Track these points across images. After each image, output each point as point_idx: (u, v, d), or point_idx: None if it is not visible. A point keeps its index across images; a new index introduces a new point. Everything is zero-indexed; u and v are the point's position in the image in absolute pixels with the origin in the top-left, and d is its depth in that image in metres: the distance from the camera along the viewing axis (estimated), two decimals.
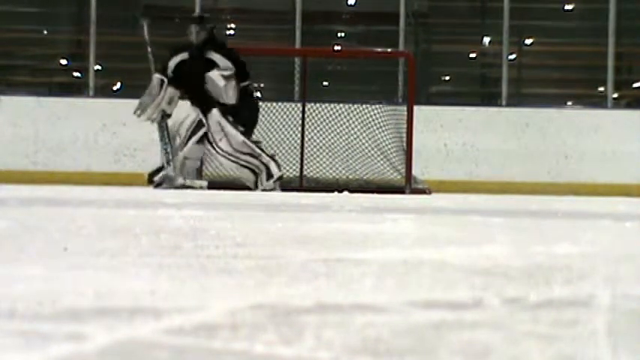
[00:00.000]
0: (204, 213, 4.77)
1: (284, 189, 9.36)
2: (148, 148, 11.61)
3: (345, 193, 9.06)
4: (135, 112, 9.52)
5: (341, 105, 10.73)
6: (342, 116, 10.56)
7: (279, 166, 9.40)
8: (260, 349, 1.15)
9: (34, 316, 1.36)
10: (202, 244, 2.80)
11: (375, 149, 10.42)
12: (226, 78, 9.27)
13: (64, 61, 14.35)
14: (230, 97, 9.26)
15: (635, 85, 14.24)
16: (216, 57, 9.38)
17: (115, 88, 13.94)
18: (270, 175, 9.27)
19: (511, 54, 13.18)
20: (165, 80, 9.41)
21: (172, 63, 9.52)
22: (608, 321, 1.43)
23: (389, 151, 10.40)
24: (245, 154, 9.27)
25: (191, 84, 9.38)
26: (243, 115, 9.42)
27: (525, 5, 13.63)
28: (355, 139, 10.33)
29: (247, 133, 9.43)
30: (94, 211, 4.89)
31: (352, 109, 10.61)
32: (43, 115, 11.76)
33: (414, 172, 10.20)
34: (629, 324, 1.43)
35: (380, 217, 4.87)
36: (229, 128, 9.22)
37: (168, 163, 9.36)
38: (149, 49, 9.77)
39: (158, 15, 12.79)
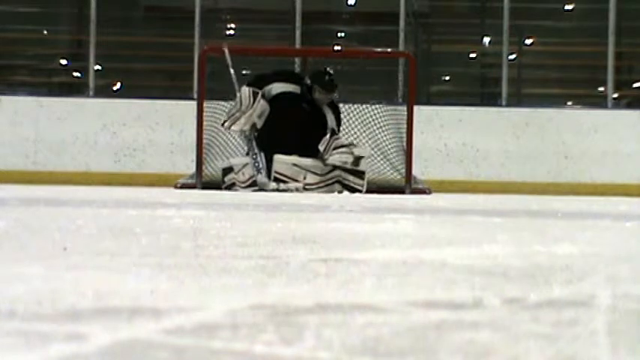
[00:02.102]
0: (204, 213, 4.77)
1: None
2: (148, 148, 11.62)
3: (345, 193, 9.06)
4: (223, 124, 9.42)
5: (341, 105, 10.72)
6: (342, 116, 10.55)
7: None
8: (260, 349, 1.15)
9: (34, 316, 1.36)
10: (202, 244, 2.80)
11: (375, 149, 10.41)
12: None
13: (64, 61, 14.35)
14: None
15: (635, 85, 14.24)
16: (329, 114, 9.47)
17: (115, 88, 13.95)
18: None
19: (511, 54, 13.18)
20: (260, 93, 9.31)
21: (274, 90, 9.42)
22: (608, 321, 1.43)
23: (389, 151, 10.39)
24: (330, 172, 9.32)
25: (286, 118, 9.34)
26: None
27: (525, 5, 13.62)
28: (355, 139, 10.31)
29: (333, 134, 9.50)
30: (94, 211, 4.89)
31: (352, 109, 10.60)
32: (43, 115, 11.76)
33: (414, 172, 10.19)
34: (629, 324, 1.43)
35: (380, 217, 4.87)
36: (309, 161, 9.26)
37: (259, 171, 9.24)
38: (232, 72, 9.64)
39: (160, 16, 12.80)
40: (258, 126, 9.33)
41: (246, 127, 9.34)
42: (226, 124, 9.35)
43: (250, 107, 9.27)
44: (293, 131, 9.42)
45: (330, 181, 9.30)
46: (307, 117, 9.46)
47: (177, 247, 2.63)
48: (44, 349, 1.12)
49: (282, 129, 9.38)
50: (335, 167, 9.31)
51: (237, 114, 9.27)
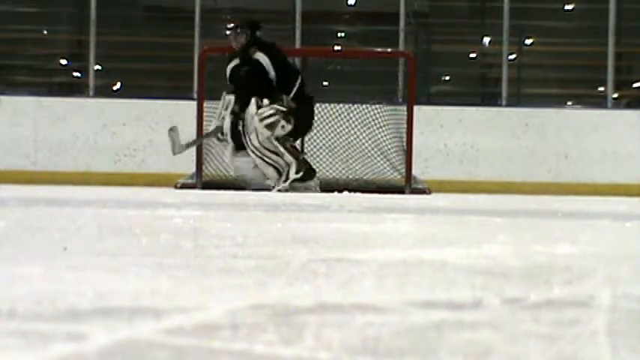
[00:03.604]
0: (204, 213, 4.77)
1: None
2: (148, 148, 11.62)
3: (345, 193, 9.06)
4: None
5: (341, 105, 10.72)
6: (342, 116, 10.55)
7: (302, 167, 9.24)
8: (260, 349, 1.15)
9: (34, 316, 1.36)
10: (202, 244, 2.80)
11: (375, 149, 10.41)
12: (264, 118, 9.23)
13: (64, 61, 14.35)
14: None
15: (635, 85, 14.24)
16: (259, 56, 9.31)
17: (115, 88, 13.95)
18: (287, 177, 9.20)
19: (511, 54, 13.18)
20: (224, 93, 9.35)
21: (228, 69, 9.45)
22: (608, 321, 1.43)
23: (389, 151, 10.39)
24: (270, 151, 9.19)
25: (241, 88, 9.30)
26: (300, 119, 9.30)
27: (525, 5, 13.62)
28: (355, 139, 10.32)
29: (295, 136, 9.36)
30: (94, 211, 4.89)
31: (352, 109, 10.60)
32: (43, 115, 11.76)
33: (414, 172, 10.19)
34: (629, 324, 1.43)
35: (380, 217, 4.87)
36: (257, 122, 9.09)
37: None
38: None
39: (160, 16, 12.80)
40: (231, 110, 9.32)
41: (219, 123, 9.35)
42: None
43: (222, 109, 9.35)
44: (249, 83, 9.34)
45: (266, 159, 9.25)
46: (246, 76, 9.37)
47: (177, 247, 2.63)
48: (44, 349, 1.12)
49: (242, 87, 9.33)
50: (275, 153, 9.25)
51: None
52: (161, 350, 1.14)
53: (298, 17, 12.87)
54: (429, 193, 9.86)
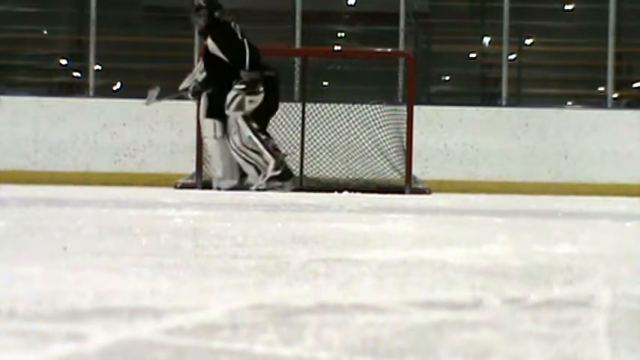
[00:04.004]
0: (204, 213, 4.77)
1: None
2: (148, 148, 11.61)
3: (345, 193, 9.06)
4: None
5: (341, 105, 10.72)
6: (342, 116, 10.55)
7: (280, 166, 9.30)
8: (260, 349, 1.15)
9: (34, 316, 1.36)
10: (202, 244, 2.80)
11: (375, 149, 10.41)
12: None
13: (64, 61, 14.35)
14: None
15: (635, 85, 14.24)
16: (209, 42, 9.38)
17: (115, 88, 13.95)
18: (265, 175, 9.24)
19: (511, 54, 13.18)
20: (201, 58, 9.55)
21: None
22: (608, 321, 1.43)
23: (389, 151, 10.39)
24: (251, 150, 9.24)
25: (207, 68, 9.43)
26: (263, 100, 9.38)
27: (525, 5, 13.62)
28: (355, 139, 10.32)
29: (260, 127, 9.38)
30: (94, 211, 4.89)
31: (352, 109, 10.60)
32: (43, 115, 11.76)
33: (414, 172, 10.19)
34: (629, 324, 1.43)
35: (380, 217, 4.87)
36: (241, 122, 9.17)
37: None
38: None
39: (160, 16, 12.80)
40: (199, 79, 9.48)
41: (186, 85, 9.55)
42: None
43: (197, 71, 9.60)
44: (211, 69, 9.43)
45: (248, 158, 9.31)
46: (205, 68, 9.44)
47: (177, 247, 2.63)
48: (44, 349, 1.12)
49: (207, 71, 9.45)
50: (256, 152, 9.31)
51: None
52: (161, 350, 1.14)
53: (298, 17, 12.87)
54: (429, 193, 9.86)
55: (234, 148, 9.23)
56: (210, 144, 9.40)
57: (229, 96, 9.20)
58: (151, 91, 9.80)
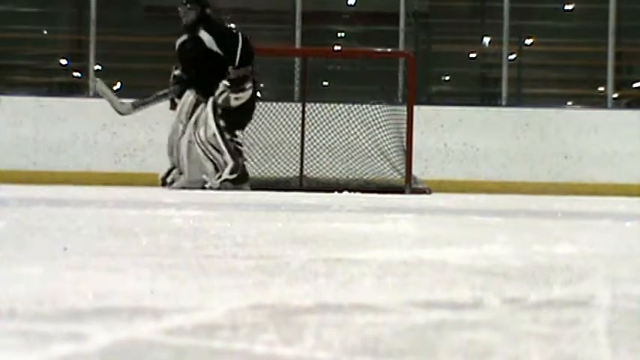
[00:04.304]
0: (204, 213, 4.77)
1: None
2: (148, 148, 11.61)
3: (345, 193, 9.06)
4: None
5: (341, 105, 10.73)
6: (342, 116, 10.56)
7: (237, 170, 9.29)
8: (260, 349, 1.15)
9: (34, 316, 1.36)
10: (202, 244, 2.80)
11: (375, 149, 10.42)
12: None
13: (64, 61, 14.35)
14: (210, 120, 9.26)
15: (635, 85, 14.24)
16: (203, 35, 9.39)
17: (115, 88, 13.94)
18: (220, 175, 9.26)
19: (511, 54, 13.18)
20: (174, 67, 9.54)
21: (177, 43, 9.65)
22: (608, 321, 1.43)
23: (389, 151, 10.40)
24: (213, 147, 9.28)
25: (186, 64, 9.44)
26: (238, 113, 9.40)
27: (525, 5, 13.63)
28: (355, 139, 10.33)
29: (232, 130, 9.39)
30: (94, 211, 4.89)
31: (352, 109, 10.60)
32: (43, 115, 11.77)
33: (414, 172, 10.20)
34: (629, 324, 1.43)
35: (380, 217, 4.87)
36: (210, 119, 9.23)
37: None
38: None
39: (160, 16, 12.80)
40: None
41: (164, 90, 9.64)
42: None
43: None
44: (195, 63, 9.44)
45: (208, 154, 9.33)
46: (194, 61, 9.46)
47: (177, 247, 2.63)
48: (44, 349, 1.12)
49: (188, 66, 9.50)
50: (217, 150, 9.35)
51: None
52: (161, 350, 1.14)
53: (298, 17, 12.87)
54: (429, 193, 9.86)
55: (198, 140, 9.26)
56: (194, 149, 9.40)
57: (218, 90, 9.21)
58: (100, 87, 9.68)
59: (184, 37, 9.58)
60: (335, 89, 14.33)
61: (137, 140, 11.60)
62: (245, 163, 9.51)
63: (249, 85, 9.27)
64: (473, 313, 1.49)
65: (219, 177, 9.23)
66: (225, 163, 9.25)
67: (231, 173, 9.24)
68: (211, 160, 9.30)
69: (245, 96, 9.26)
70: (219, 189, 9.08)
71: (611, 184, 11.65)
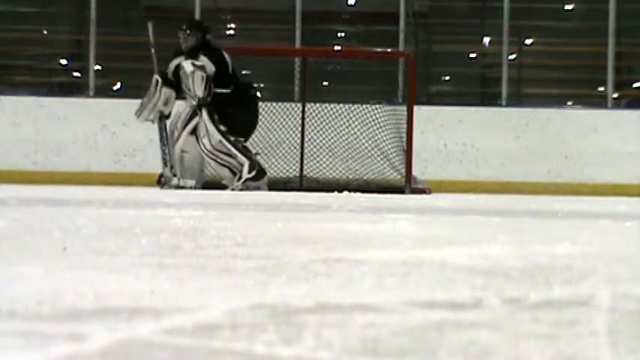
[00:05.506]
0: (204, 213, 4.77)
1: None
2: (148, 148, 11.61)
3: (345, 193, 9.06)
4: (135, 113, 9.58)
5: (341, 105, 10.72)
6: (342, 116, 10.56)
7: (254, 167, 9.30)
8: (260, 349, 1.15)
9: (34, 316, 1.36)
10: (202, 244, 2.80)
11: (375, 149, 10.42)
12: (197, 67, 9.32)
13: (64, 61, 14.35)
14: (197, 87, 9.27)
15: (635, 85, 14.24)
16: (203, 60, 9.43)
17: (115, 88, 13.94)
18: (240, 177, 9.26)
19: (511, 54, 13.18)
20: (160, 81, 9.46)
21: (172, 66, 9.61)
22: (608, 321, 1.43)
23: (389, 151, 10.39)
24: (223, 153, 9.28)
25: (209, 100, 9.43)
26: (242, 120, 9.42)
27: (525, 5, 13.63)
28: (355, 139, 10.32)
29: (239, 136, 9.41)
30: (94, 211, 4.89)
31: (352, 109, 10.60)
32: (43, 115, 11.76)
33: (414, 172, 10.19)
34: (629, 324, 1.43)
35: (380, 217, 4.87)
36: (210, 126, 9.24)
37: (165, 164, 9.42)
38: (153, 51, 9.85)
39: (160, 16, 12.80)
40: (166, 112, 9.52)
41: (151, 117, 9.51)
42: (137, 114, 9.51)
43: (153, 96, 9.44)
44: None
45: (220, 160, 9.34)
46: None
47: (177, 247, 2.63)
48: (44, 349, 1.12)
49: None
50: (228, 154, 9.36)
51: (144, 104, 9.48)
52: (161, 350, 1.14)
53: (298, 17, 12.87)
54: (429, 193, 9.86)
55: (205, 151, 9.27)
56: (188, 157, 9.40)
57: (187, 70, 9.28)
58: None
59: (180, 60, 9.56)
60: (335, 89, 14.33)
61: (137, 140, 11.59)
62: (257, 157, 9.53)
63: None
64: (473, 313, 1.49)
65: (240, 178, 9.23)
66: (241, 164, 9.26)
67: (249, 172, 9.25)
68: (226, 166, 9.32)
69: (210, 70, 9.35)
70: (241, 190, 9.08)
71: (611, 184, 11.64)
